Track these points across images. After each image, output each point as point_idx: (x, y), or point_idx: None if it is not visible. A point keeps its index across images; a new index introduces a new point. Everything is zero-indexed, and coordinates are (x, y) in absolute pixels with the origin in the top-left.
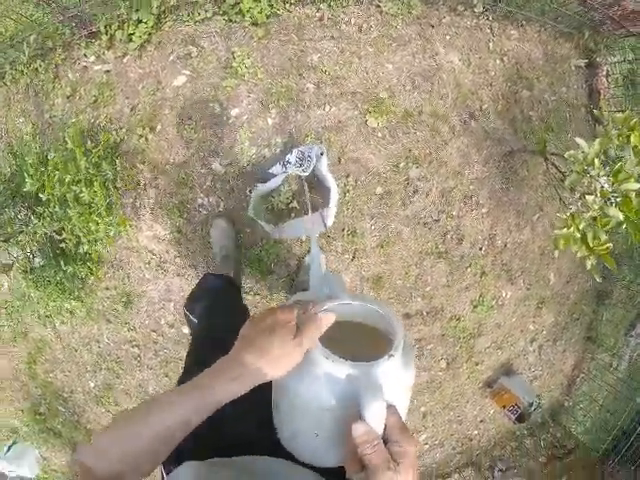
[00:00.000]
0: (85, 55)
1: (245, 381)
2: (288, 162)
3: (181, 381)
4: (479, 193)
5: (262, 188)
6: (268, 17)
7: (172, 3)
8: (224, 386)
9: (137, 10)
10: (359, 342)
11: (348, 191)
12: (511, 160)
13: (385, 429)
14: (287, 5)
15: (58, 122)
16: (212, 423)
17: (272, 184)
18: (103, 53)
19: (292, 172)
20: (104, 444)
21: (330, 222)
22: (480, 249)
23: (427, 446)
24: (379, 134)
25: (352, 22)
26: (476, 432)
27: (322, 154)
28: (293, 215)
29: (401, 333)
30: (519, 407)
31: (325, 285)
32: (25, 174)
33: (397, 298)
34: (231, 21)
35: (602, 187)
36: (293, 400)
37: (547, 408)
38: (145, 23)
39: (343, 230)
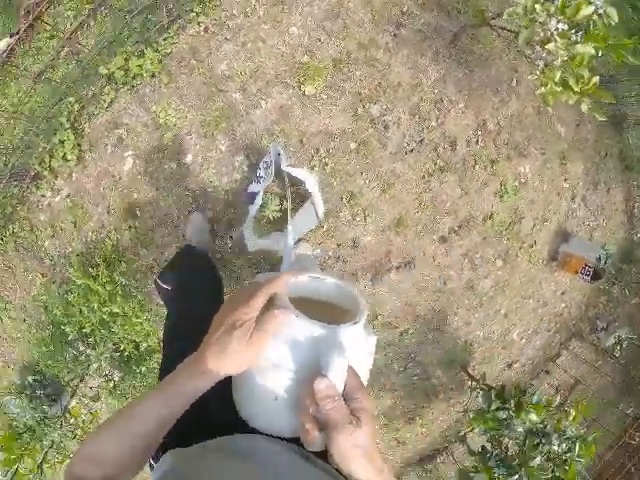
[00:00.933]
0: (42, 195)
1: (208, 377)
2: (260, 177)
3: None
4: (447, 92)
5: (251, 211)
6: (161, 61)
7: (81, 124)
8: (190, 381)
9: (54, 134)
10: (320, 317)
11: (326, 164)
12: (459, 43)
13: (344, 389)
14: (169, 39)
15: (58, 259)
16: (196, 409)
17: (258, 201)
18: (54, 184)
19: (267, 183)
20: (92, 452)
21: (321, 212)
22: (477, 142)
23: (523, 341)
24: (323, 96)
25: (235, 13)
26: (563, 305)
27: (279, 154)
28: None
29: (365, 306)
30: (590, 266)
31: (298, 264)
32: (62, 326)
33: (425, 229)
34: (134, 87)
35: (557, 29)
36: (265, 366)
37: (618, 252)
38: (67, 139)
39: (342, 199)
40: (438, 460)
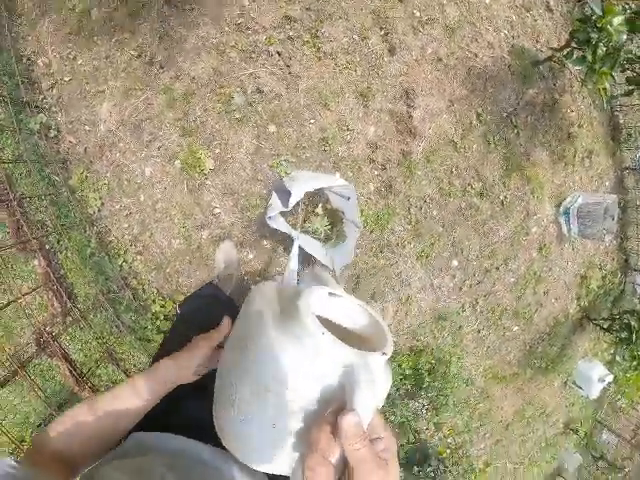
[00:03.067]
0: None
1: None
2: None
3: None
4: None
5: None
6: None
7: None
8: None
9: None
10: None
11: (277, 138)
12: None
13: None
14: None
15: None
16: (169, 404)
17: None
18: None
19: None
20: (69, 425)
21: (337, 180)
22: None
23: None
24: (217, 152)
25: (129, 227)
26: None
27: (272, 206)
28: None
29: (390, 337)
30: None
31: (316, 280)
32: None
33: (375, 66)
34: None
35: None
36: (264, 383)
37: None
38: None
39: (323, 142)
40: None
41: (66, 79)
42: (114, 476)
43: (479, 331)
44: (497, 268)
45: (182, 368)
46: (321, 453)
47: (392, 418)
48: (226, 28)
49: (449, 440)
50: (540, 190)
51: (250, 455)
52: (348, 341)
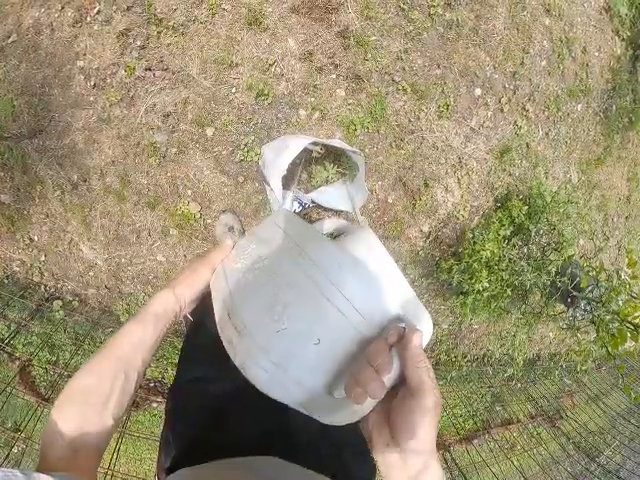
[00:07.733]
0: None
1: (175, 295)
2: (299, 199)
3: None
4: None
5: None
6: None
7: None
8: (159, 300)
9: None
10: None
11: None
12: None
13: None
14: None
15: None
16: (205, 431)
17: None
18: None
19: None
20: (76, 388)
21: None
22: None
23: None
24: (190, 193)
25: None
26: None
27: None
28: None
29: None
30: None
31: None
32: None
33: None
34: None
35: None
36: (325, 288)
37: None
38: None
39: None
40: None
41: (42, 259)
42: None
43: (547, 134)
44: (522, 63)
45: (182, 296)
46: (377, 369)
47: (527, 284)
48: (90, 98)
49: (586, 268)
50: None
51: (272, 378)
52: None
